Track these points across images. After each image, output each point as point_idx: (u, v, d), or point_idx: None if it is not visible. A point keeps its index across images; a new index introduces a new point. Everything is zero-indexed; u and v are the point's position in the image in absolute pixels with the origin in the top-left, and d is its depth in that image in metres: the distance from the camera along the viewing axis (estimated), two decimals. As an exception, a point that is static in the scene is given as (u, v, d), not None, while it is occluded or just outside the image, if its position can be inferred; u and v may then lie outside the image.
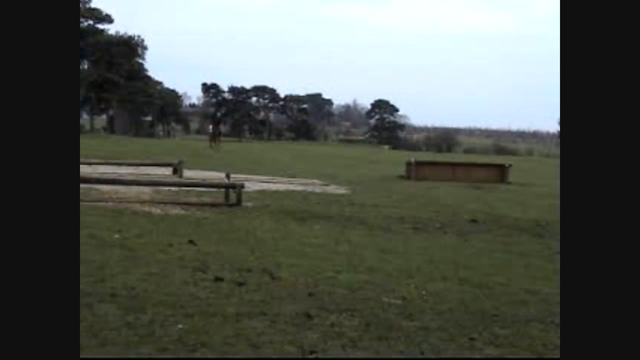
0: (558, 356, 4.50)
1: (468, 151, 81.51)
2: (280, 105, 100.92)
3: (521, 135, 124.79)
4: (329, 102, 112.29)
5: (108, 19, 71.05)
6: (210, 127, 36.27)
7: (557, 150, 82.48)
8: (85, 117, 76.70)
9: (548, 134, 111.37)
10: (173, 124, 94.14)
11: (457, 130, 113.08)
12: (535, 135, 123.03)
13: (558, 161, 55.48)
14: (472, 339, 4.75)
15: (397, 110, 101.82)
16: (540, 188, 21.90)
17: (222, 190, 13.18)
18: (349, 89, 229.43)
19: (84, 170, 15.84)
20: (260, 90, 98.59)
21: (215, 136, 34.22)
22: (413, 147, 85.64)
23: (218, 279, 6.00)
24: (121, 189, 13.36)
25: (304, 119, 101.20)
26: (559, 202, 17.62)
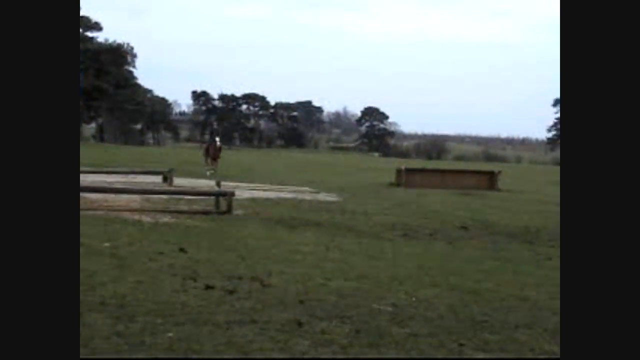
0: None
1: (458, 158, 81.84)
2: (271, 113, 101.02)
3: (510, 142, 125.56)
4: (319, 109, 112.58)
5: (97, 27, 70.86)
6: (218, 138, 25.81)
7: (545, 157, 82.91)
8: (74, 125, 76.35)
9: (537, 141, 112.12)
10: (163, 132, 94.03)
11: (447, 138, 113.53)
12: (524, 143, 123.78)
13: (547, 168, 55.71)
14: (461, 344, 4.78)
15: (387, 117, 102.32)
16: (530, 195, 22.03)
17: (213, 198, 13.19)
18: (339, 96, 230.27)
19: (74, 178, 15.79)
20: (251, 98, 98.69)
21: (215, 152, 24.50)
22: (403, 154, 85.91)
23: (208, 287, 6.00)
24: (111, 197, 13.31)
25: (294, 126, 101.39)
26: (548, 208, 17.69)
